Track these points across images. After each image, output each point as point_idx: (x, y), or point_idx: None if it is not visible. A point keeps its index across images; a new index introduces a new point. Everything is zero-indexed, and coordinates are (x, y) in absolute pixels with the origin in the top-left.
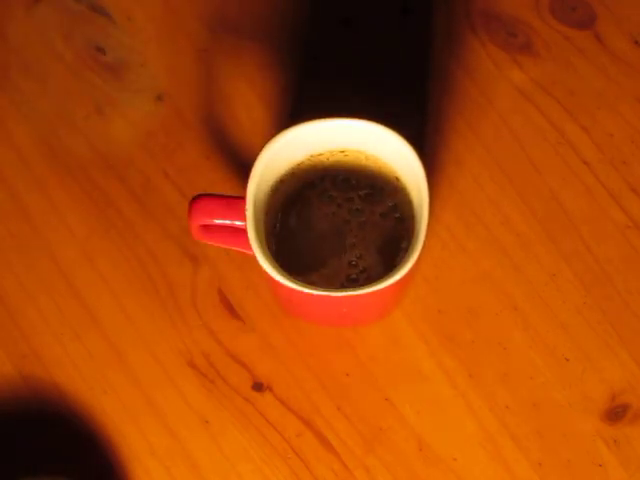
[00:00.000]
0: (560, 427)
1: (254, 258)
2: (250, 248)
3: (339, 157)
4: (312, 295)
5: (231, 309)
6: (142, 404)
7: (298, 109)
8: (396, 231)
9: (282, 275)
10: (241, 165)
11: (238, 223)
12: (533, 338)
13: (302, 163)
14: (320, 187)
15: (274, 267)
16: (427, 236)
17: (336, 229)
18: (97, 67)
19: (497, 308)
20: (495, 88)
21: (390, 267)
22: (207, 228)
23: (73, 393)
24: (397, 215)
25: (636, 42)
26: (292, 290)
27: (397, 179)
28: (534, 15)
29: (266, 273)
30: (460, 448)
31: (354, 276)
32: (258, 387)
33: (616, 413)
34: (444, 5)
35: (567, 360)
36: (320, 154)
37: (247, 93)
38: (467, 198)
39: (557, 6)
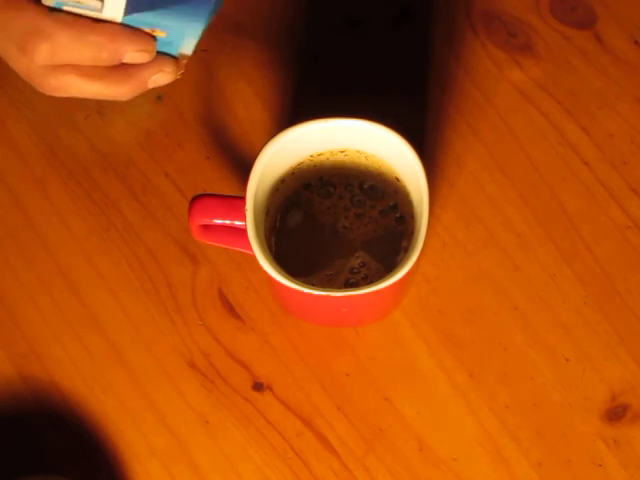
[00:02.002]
0: (560, 427)
1: (254, 258)
2: (250, 248)
3: (339, 157)
4: (312, 295)
5: (231, 309)
6: (142, 404)
7: (298, 109)
8: (396, 231)
9: (282, 275)
10: (241, 165)
11: (238, 223)
12: (533, 338)
13: (302, 163)
14: (320, 187)
15: (274, 267)
16: (427, 236)
17: (336, 229)
18: None
19: (497, 308)
20: (495, 88)
21: (390, 267)
22: (207, 228)
23: (73, 393)
24: (397, 215)
25: (636, 42)
26: (292, 290)
27: (397, 179)
28: (534, 15)
29: (266, 273)
30: (460, 448)
31: (353, 280)
32: (258, 387)
33: (616, 413)
34: (444, 5)
35: (567, 360)
36: (320, 154)
37: (247, 93)
38: (467, 198)
39: (557, 6)
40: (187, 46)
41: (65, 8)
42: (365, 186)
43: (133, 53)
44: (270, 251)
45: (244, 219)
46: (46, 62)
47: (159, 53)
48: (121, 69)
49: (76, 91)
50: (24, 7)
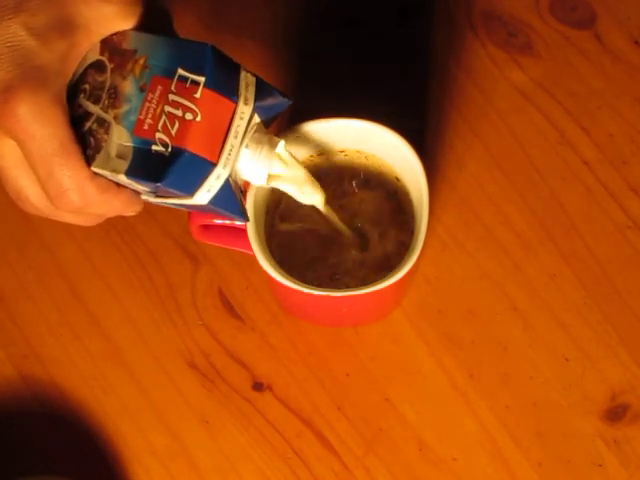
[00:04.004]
0: (560, 427)
1: (254, 258)
2: (250, 248)
3: (339, 157)
4: (312, 295)
5: (231, 309)
6: (142, 404)
7: (298, 109)
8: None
9: (282, 275)
10: None
11: (238, 223)
12: (533, 338)
13: (302, 163)
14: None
15: (274, 267)
16: (427, 236)
17: (335, 229)
18: None
19: (497, 308)
20: (495, 88)
21: (390, 267)
22: (207, 228)
23: (73, 393)
24: (397, 215)
25: (636, 42)
26: (292, 290)
27: (397, 179)
28: (534, 15)
29: (266, 273)
30: (460, 448)
31: (350, 280)
32: (258, 387)
33: (616, 413)
34: (444, 5)
35: (567, 360)
36: (320, 154)
37: None
38: (467, 198)
39: (557, 6)
40: None
41: (110, 178)
42: (365, 190)
43: (130, 213)
44: (270, 251)
45: None
46: (66, 211)
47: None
48: None
49: (59, 219)
50: (73, 165)
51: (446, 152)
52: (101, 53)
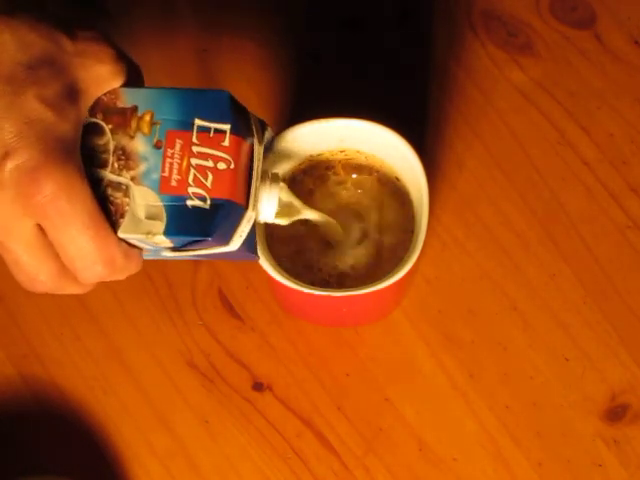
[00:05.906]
0: (560, 427)
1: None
2: None
3: (339, 157)
4: (312, 295)
5: (231, 309)
6: (142, 404)
7: (298, 109)
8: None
9: (282, 275)
10: None
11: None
12: (533, 338)
13: (302, 163)
14: (320, 187)
15: (274, 267)
16: (427, 236)
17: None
18: None
19: (497, 308)
20: (495, 88)
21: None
22: None
23: (73, 393)
24: (397, 214)
25: (636, 42)
26: (292, 290)
27: (397, 179)
28: (534, 15)
29: (266, 273)
30: (460, 448)
31: (349, 281)
32: (258, 387)
33: (616, 413)
34: (444, 5)
35: (567, 360)
36: (320, 154)
37: (247, 93)
38: (467, 198)
39: (557, 6)
40: None
41: (132, 241)
42: (364, 189)
43: (133, 272)
44: (270, 251)
45: None
46: (89, 282)
47: None
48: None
49: (61, 292)
50: (103, 237)
51: (446, 152)
52: (92, 115)
